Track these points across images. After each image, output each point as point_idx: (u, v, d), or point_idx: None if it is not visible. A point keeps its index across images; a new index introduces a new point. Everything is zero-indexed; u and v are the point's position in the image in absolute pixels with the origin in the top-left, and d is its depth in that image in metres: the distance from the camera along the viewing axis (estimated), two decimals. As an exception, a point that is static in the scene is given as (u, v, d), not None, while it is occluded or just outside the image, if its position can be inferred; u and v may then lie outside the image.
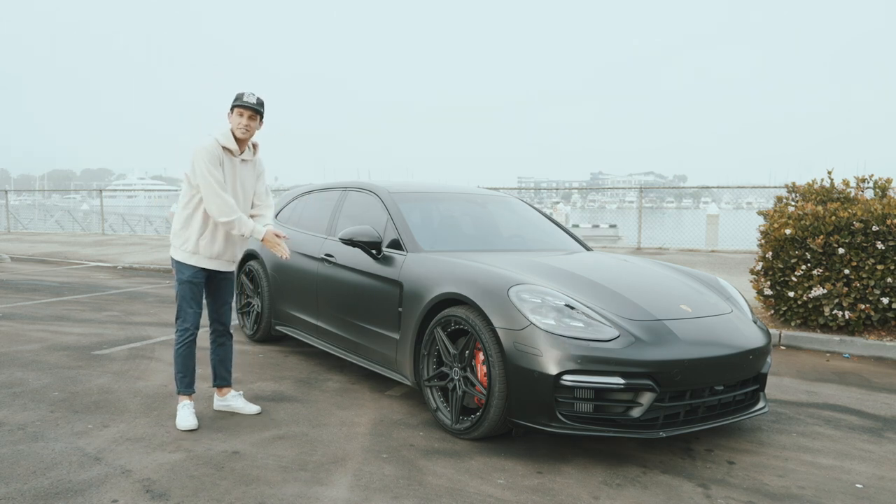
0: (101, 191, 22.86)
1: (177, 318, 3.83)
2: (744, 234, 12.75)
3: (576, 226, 25.22)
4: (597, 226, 26.41)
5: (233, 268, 4.00)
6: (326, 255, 4.88)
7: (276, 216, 5.96)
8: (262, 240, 3.83)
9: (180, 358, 3.81)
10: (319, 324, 4.93)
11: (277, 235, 3.87)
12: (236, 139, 3.75)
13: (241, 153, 3.80)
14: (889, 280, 5.59)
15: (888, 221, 5.58)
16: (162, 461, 3.23)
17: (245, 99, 3.71)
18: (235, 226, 3.72)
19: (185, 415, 3.71)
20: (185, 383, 3.82)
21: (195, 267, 3.80)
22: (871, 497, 3.04)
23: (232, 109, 3.75)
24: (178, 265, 3.81)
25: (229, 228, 3.73)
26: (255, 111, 3.72)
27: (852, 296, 5.76)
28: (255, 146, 3.90)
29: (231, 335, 4.07)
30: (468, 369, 3.59)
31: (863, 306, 5.73)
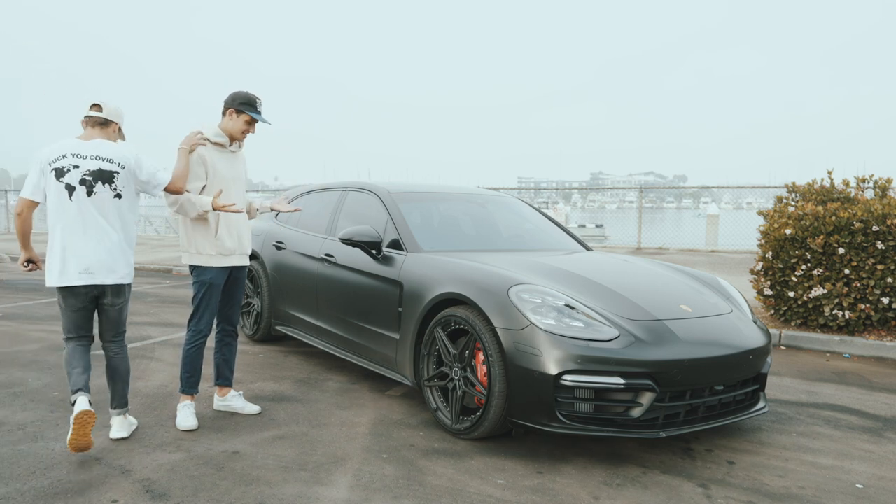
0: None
1: (191, 319, 3.79)
2: (744, 233, 12.76)
3: None
4: (583, 225, 26.66)
5: (247, 262, 3.99)
6: (326, 255, 4.88)
7: (276, 216, 5.96)
8: (214, 208, 3.65)
9: (189, 358, 3.79)
10: (319, 324, 4.93)
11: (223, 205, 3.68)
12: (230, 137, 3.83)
13: (231, 145, 3.84)
14: (889, 280, 5.59)
15: (888, 221, 5.58)
16: (162, 461, 3.23)
17: (260, 111, 3.79)
18: (186, 207, 3.65)
19: (186, 415, 3.71)
20: (191, 383, 3.81)
21: (217, 267, 3.79)
22: (871, 497, 3.04)
23: (238, 111, 3.77)
24: (198, 269, 3.78)
25: (182, 213, 3.69)
26: None
27: (852, 296, 5.76)
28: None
29: (237, 335, 4.08)
30: (468, 369, 3.59)
31: (863, 306, 5.73)
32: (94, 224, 3.35)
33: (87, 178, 3.33)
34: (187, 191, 3.67)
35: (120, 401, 3.56)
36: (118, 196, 3.41)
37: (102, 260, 3.37)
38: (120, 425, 3.53)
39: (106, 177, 3.36)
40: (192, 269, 3.81)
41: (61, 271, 3.34)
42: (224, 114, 3.82)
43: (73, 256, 3.33)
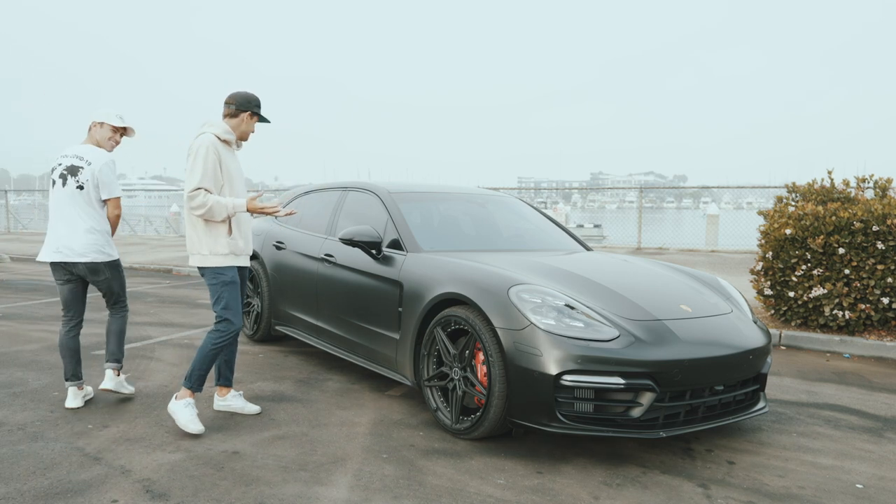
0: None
1: (223, 319, 3.72)
2: (744, 233, 12.77)
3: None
4: (581, 226, 26.71)
5: (249, 262, 4.00)
6: (326, 255, 4.88)
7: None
8: (249, 209, 3.68)
9: (210, 356, 3.72)
10: (319, 324, 4.93)
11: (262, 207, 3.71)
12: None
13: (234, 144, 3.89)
14: (889, 280, 5.59)
15: (888, 221, 5.58)
16: (162, 461, 3.23)
17: (262, 112, 3.89)
18: (215, 210, 3.60)
19: (191, 416, 3.62)
20: (201, 381, 3.75)
21: (232, 267, 3.78)
22: (871, 497, 3.04)
23: (253, 114, 3.85)
24: (215, 270, 3.73)
25: (210, 216, 3.62)
26: None
27: (852, 296, 5.76)
28: None
29: (238, 335, 4.07)
30: (468, 369, 3.59)
31: (863, 306, 5.73)
32: (64, 211, 3.95)
33: (64, 172, 3.97)
34: (208, 191, 3.63)
35: (111, 357, 4.10)
36: (80, 187, 3.93)
37: (71, 241, 3.92)
38: (111, 379, 4.03)
39: (73, 171, 3.95)
40: (208, 271, 3.74)
41: (44, 249, 4.01)
42: (236, 116, 3.81)
43: (53, 237, 3.97)
